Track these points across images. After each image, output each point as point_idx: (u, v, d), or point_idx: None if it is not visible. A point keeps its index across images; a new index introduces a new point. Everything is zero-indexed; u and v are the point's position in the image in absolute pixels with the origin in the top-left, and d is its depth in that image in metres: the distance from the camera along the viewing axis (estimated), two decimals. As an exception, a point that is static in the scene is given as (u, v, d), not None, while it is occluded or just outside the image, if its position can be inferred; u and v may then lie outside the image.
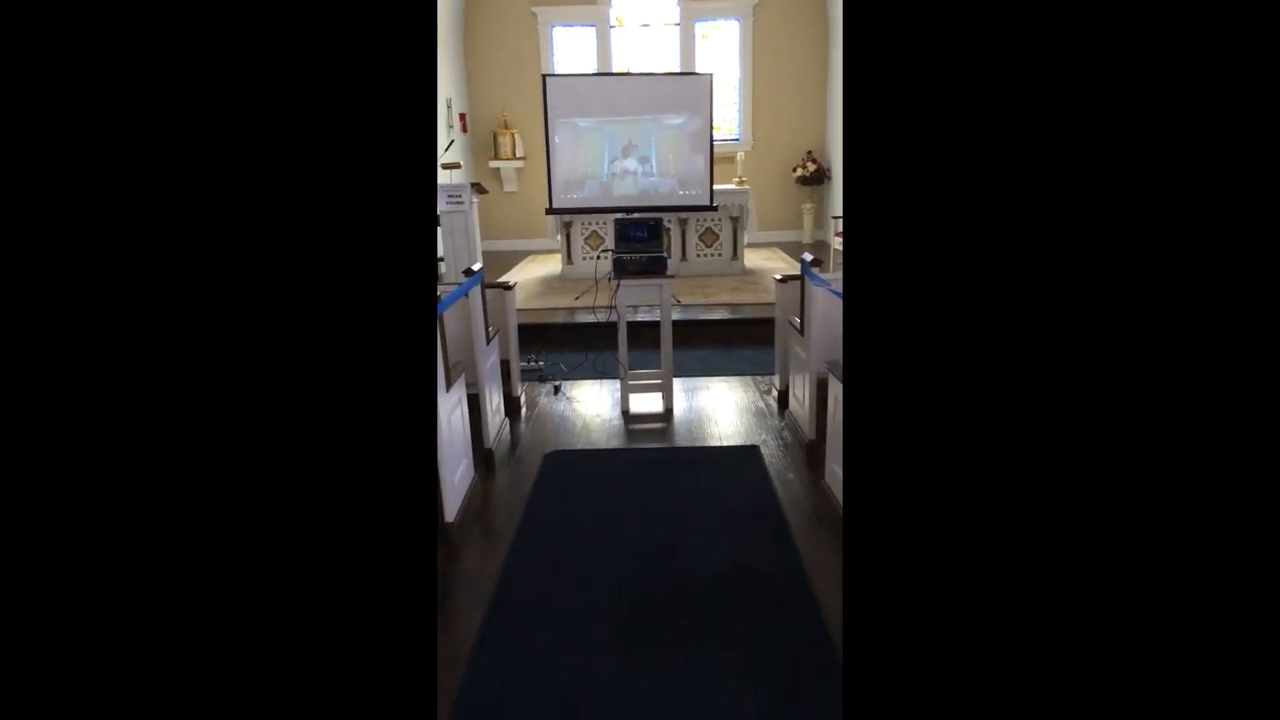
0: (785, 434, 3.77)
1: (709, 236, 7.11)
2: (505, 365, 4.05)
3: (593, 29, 8.95)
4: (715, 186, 6.37)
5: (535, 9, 8.83)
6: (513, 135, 8.96)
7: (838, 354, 3.15)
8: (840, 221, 6.76)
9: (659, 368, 4.14)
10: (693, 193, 6.17)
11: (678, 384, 4.40)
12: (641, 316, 5.35)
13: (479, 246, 6.21)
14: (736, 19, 8.92)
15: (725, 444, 3.66)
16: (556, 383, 4.61)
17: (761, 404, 4.21)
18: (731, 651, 2.10)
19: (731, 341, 5.39)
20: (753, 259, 7.56)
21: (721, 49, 9.07)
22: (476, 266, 3.51)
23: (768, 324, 4.70)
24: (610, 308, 4.27)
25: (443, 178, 6.49)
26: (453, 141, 7.63)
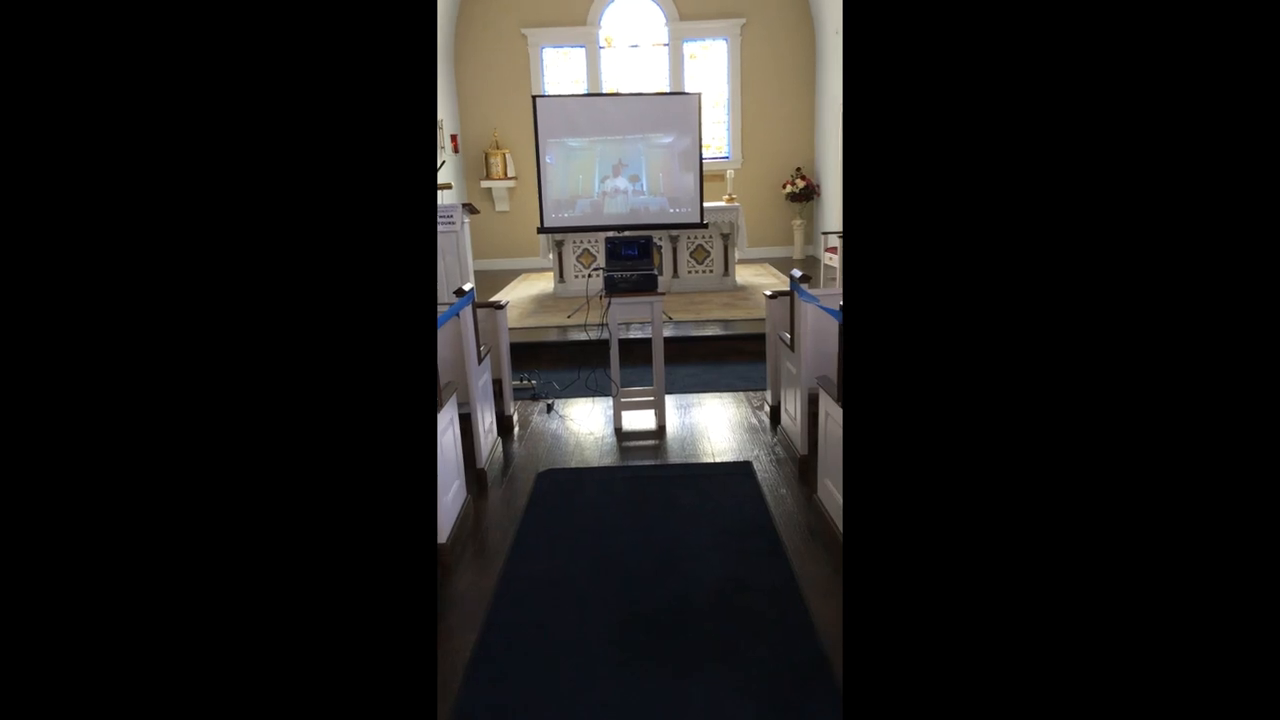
0: (777, 449, 3.77)
1: (700, 253, 7.15)
2: (497, 384, 4.06)
3: (582, 50, 9.04)
4: (705, 204, 6.41)
5: (525, 30, 8.92)
6: (504, 155, 9.02)
7: (828, 369, 3.16)
8: (830, 237, 6.80)
9: (651, 385, 4.15)
10: (683, 210, 6.21)
11: (670, 401, 4.41)
12: (634, 334, 5.37)
13: (471, 266, 6.22)
14: (724, 39, 9.03)
15: (718, 460, 3.67)
16: (549, 401, 4.61)
17: (754, 420, 4.22)
18: (728, 667, 2.10)
19: (723, 357, 5.40)
20: (744, 275, 7.60)
21: (710, 68, 9.16)
22: (468, 286, 3.52)
23: (759, 340, 4.72)
24: (602, 325, 4.28)
25: (434, 198, 6.52)
26: (444, 162, 7.67)
